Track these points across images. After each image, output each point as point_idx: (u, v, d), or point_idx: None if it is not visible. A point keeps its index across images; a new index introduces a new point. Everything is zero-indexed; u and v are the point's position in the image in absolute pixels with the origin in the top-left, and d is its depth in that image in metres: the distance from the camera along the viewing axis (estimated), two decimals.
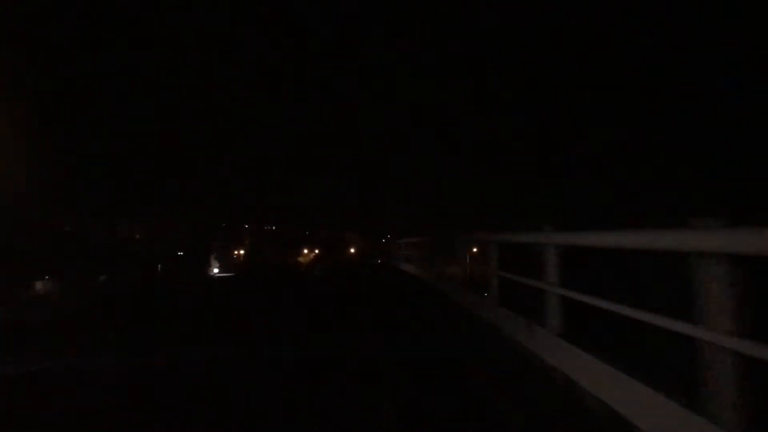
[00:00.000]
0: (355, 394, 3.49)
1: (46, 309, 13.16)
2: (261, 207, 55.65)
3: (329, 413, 3.15)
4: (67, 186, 23.12)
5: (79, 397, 3.68)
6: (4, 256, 15.62)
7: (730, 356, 1.80)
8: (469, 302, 6.38)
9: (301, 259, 50.10)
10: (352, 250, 58.35)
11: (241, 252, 51.87)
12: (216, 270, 31.40)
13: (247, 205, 53.57)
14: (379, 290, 11.37)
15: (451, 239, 8.54)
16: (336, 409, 3.21)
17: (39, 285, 16.67)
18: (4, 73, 18.43)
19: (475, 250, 9.81)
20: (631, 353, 2.54)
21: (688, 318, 2.01)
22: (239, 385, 3.85)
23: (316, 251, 59.34)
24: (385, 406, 3.21)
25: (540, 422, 2.95)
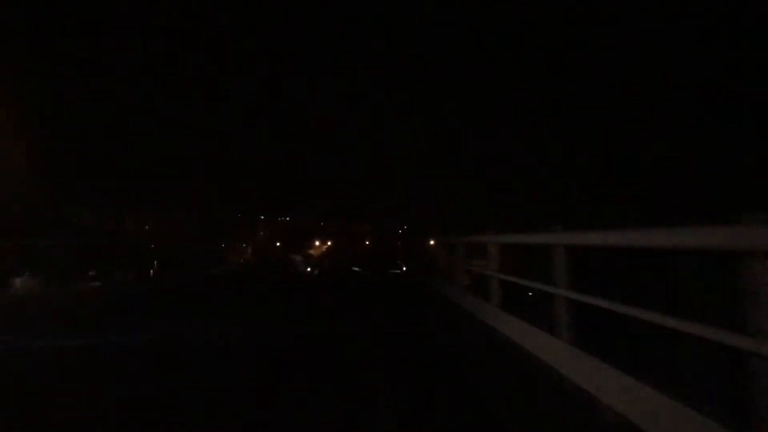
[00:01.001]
0: None
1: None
2: (273, 196, 53.71)
3: None
4: (63, 176, 22.35)
5: None
6: None
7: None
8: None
9: (312, 251, 49.35)
10: (367, 242, 57.65)
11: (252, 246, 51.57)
12: None
13: (262, 194, 51.58)
14: None
15: None
16: None
17: (18, 282, 15.98)
18: (7, 67, 17.84)
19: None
20: None
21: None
22: None
23: (329, 243, 58.82)
24: None
25: None
